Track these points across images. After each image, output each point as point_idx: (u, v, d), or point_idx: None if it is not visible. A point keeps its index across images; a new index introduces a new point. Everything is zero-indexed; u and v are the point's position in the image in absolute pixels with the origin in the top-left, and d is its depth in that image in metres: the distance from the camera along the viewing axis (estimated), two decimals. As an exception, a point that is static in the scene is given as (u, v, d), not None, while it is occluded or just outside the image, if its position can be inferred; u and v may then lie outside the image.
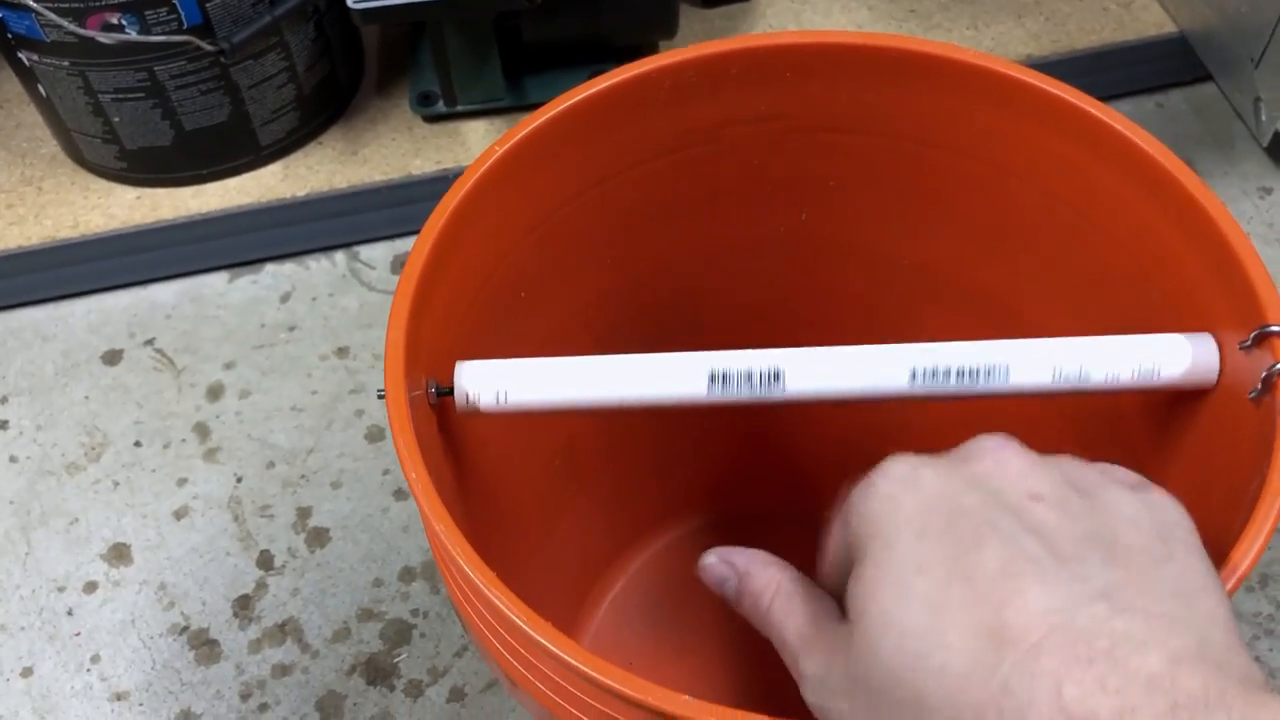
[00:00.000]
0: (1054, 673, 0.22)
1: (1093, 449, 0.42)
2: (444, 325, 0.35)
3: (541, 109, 0.37)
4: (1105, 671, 0.21)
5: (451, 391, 0.34)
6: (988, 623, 0.23)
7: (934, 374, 0.35)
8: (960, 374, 0.35)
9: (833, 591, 0.29)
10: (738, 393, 0.35)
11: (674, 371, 0.35)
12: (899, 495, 0.26)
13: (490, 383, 0.34)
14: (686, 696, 0.25)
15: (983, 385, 0.35)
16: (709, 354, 0.35)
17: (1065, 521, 0.25)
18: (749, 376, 0.35)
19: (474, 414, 0.35)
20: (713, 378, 0.35)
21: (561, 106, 0.37)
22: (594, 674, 0.26)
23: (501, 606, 0.27)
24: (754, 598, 0.31)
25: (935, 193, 0.42)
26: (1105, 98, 0.37)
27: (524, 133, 0.37)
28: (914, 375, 0.35)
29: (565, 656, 0.26)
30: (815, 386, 0.35)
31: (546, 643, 0.26)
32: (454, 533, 0.28)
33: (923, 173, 0.41)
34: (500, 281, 0.39)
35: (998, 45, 0.75)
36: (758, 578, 0.31)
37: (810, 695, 0.28)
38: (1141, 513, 0.26)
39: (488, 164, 0.36)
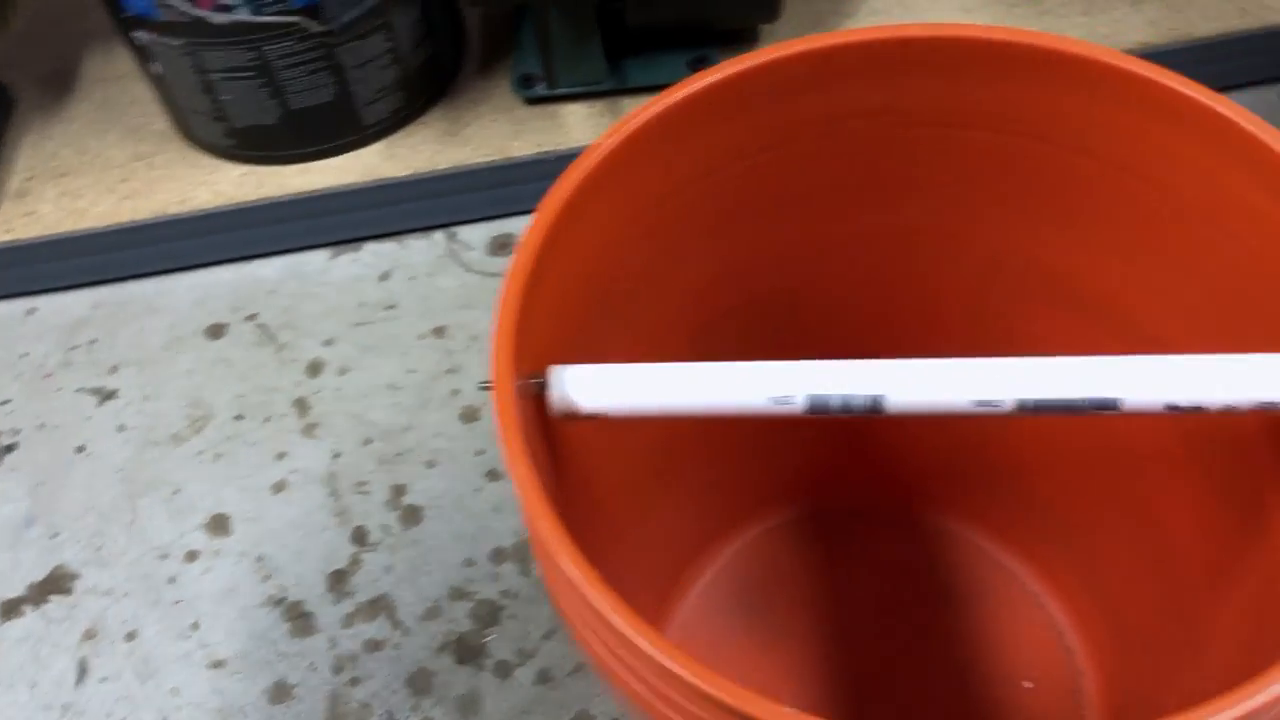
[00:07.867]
0: None
1: (1212, 473, 0.41)
2: (548, 318, 0.35)
3: (651, 102, 0.37)
4: None
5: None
6: None
7: (1044, 393, 0.34)
8: (1072, 394, 0.33)
9: None
10: (834, 407, 0.34)
11: (769, 385, 0.34)
12: None
13: (586, 389, 0.34)
14: (788, 709, 0.25)
15: (1096, 404, 0.34)
16: (807, 367, 0.34)
17: None
18: (846, 399, 0.34)
19: (571, 417, 0.35)
20: (810, 396, 0.34)
21: (672, 99, 0.37)
22: (708, 688, 0.26)
23: (610, 615, 0.27)
24: None
25: (1052, 192, 0.40)
26: (1225, 88, 0.36)
27: (633, 125, 0.36)
28: (1022, 398, 0.34)
29: (675, 668, 0.26)
30: (915, 404, 0.34)
31: (663, 658, 0.26)
32: (557, 531, 0.28)
33: (1041, 171, 0.40)
34: (604, 274, 0.38)
35: (1113, 32, 0.72)
36: None
37: None
38: None
39: (597, 157, 0.35)
